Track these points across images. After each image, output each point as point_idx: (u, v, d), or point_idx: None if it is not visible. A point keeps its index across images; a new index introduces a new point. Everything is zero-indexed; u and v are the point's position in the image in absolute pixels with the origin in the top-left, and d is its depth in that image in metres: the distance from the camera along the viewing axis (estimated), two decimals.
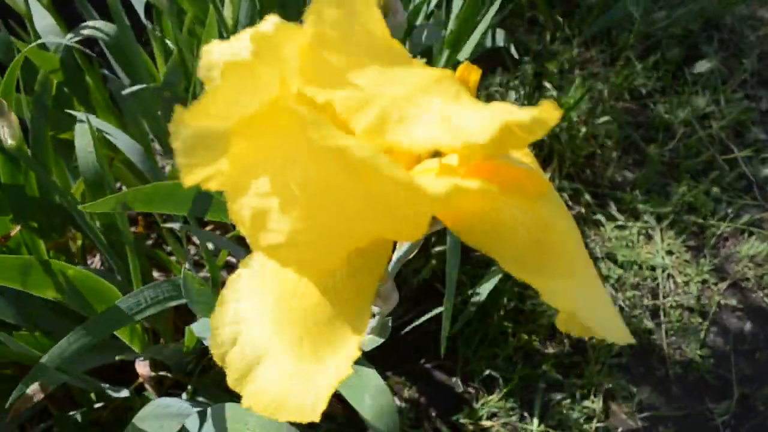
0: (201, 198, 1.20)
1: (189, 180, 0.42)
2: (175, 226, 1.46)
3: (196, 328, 1.21)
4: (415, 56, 1.46)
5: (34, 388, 1.27)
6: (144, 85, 1.54)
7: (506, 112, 0.42)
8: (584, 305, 0.49)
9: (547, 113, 0.42)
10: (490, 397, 1.82)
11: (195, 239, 1.91)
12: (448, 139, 0.41)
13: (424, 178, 0.41)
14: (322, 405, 0.50)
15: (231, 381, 0.53)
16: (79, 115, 1.36)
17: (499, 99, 2.29)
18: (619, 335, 0.51)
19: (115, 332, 1.28)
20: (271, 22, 0.47)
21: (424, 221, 0.46)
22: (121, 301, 1.20)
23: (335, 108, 0.42)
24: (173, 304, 1.26)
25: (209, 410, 1.26)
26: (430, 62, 1.93)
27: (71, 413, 1.49)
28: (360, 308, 0.53)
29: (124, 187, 1.96)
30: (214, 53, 0.48)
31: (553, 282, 0.49)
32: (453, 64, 1.88)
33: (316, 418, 0.49)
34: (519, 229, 0.49)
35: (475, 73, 0.58)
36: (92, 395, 1.52)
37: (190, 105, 0.40)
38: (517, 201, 0.49)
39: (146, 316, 1.23)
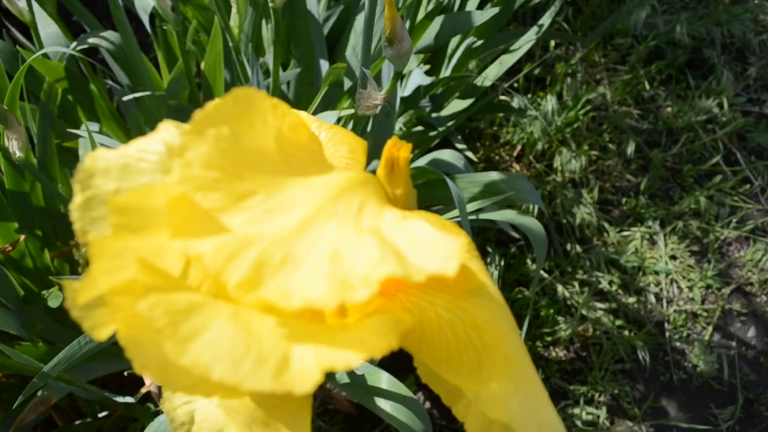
0: None
1: (101, 335, 0.39)
2: None
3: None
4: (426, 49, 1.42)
5: (38, 398, 1.27)
6: (147, 93, 1.55)
7: (398, 258, 0.38)
8: (522, 414, 0.45)
9: (445, 266, 0.38)
10: None
11: None
12: (325, 294, 0.37)
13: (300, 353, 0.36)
14: None
15: None
16: (81, 130, 1.36)
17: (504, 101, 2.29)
18: None
19: None
20: (129, 189, 0.43)
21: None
22: None
23: (206, 262, 0.38)
24: None
25: None
26: (439, 57, 1.92)
27: (76, 423, 1.49)
28: (297, 412, 0.52)
29: None
30: (100, 160, 0.44)
31: (487, 388, 0.45)
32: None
33: None
34: (445, 329, 0.45)
35: (404, 150, 0.54)
36: (97, 406, 1.52)
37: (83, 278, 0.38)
38: (441, 299, 0.46)
39: None
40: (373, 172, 0.54)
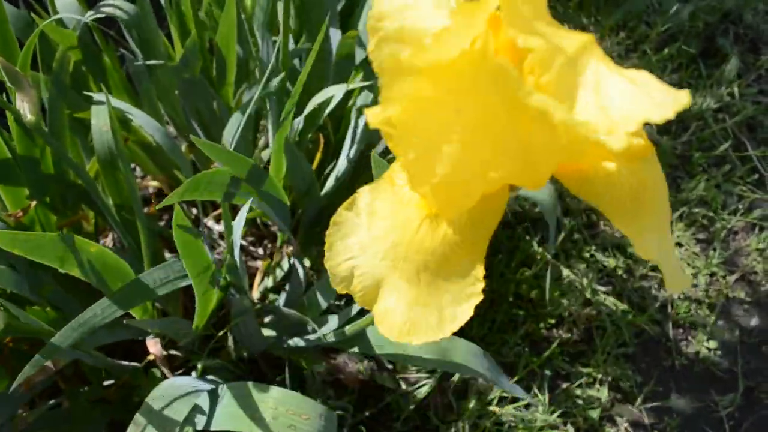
0: (233, 185, 1.24)
1: (381, 114, 0.49)
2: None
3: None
4: None
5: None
6: (161, 62, 1.55)
7: (647, 106, 0.48)
8: (662, 258, 0.57)
9: (679, 104, 0.49)
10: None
11: (208, 222, 1.93)
12: (599, 123, 0.47)
13: (601, 136, 0.47)
14: (451, 325, 0.57)
15: (359, 305, 0.61)
16: (97, 95, 1.37)
17: None
18: (680, 286, 0.59)
19: (130, 311, 1.30)
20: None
21: (552, 170, 0.54)
22: (144, 275, 1.21)
23: (526, 52, 0.48)
24: (184, 284, 1.28)
25: (222, 388, 1.28)
26: None
27: (82, 389, 1.51)
28: (480, 248, 0.59)
29: (138, 168, 1.97)
30: (384, 3, 0.51)
31: (642, 234, 0.57)
32: None
33: (447, 335, 0.56)
34: (624, 185, 0.56)
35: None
36: (102, 372, 1.54)
37: None
38: (625, 162, 0.57)
39: (158, 296, 1.25)
40: None
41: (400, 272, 0.58)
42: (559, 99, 0.46)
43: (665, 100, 0.47)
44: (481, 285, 0.57)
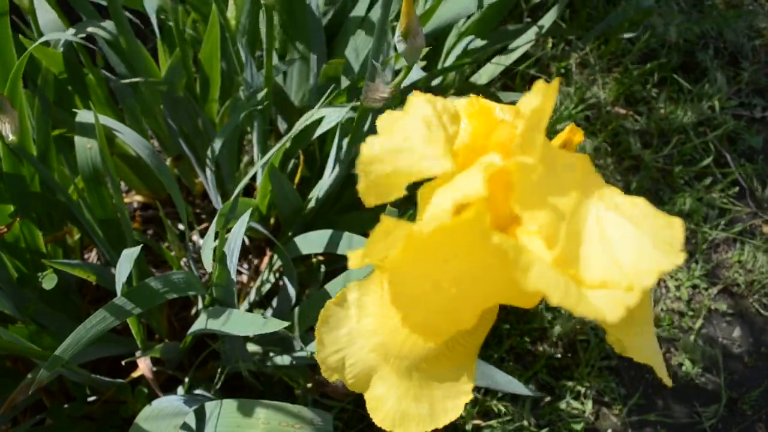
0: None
1: (361, 261, 0.48)
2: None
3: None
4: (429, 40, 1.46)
5: (29, 380, 1.28)
6: (142, 79, 1.56)
7: (657, 254, 0.46)
8: (651, 356, 0.56)
9: (676, 259, 0.45)
10: (482, 398, 1.83)
11: (194, 238, 1.93)
12: (613, 277, 0.45)
13: (597, 302, 0.45)
14: (444, 418, 0.57)
15: (351, 389, 0.61)
16: (82, 112, 1.37)
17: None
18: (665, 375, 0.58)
19: (121, 326, 1.30)
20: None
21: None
22: (149, 280, 1.21)
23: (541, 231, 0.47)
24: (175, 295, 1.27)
25: (211, 405, 1.28)
26: (436, 55, 1.94)
27: (65, 406, 1.50)
28: (472, 354, 0.58)
29: (122, 183, 1.97)
30: (375, 146, 0.50)
31: (637, 339, 0.55)
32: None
33: (440, 427, 0.56)
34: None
35: (579, 135, 0.62)
36: (87, 389, 1.54)
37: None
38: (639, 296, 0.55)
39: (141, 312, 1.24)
40: None
41: (391, 366, 0.58)
42: (570, 264, 0.45)
43: (668, 238, 0.45)
44: (472, 385, 0.58)
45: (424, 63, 1.82)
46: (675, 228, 0.45)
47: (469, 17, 1.82)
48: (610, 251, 0.46)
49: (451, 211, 0.46)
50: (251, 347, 1.57)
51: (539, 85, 0.48)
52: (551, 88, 0.48)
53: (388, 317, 0.58)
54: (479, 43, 1.84)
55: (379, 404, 0.58)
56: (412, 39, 1.04)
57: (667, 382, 0.57)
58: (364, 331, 0.60)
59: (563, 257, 0.45)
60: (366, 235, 1.03)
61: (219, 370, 1.51)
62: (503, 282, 0.48)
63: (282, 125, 1.87)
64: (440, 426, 0.56)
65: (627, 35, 2.63)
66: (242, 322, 1.20)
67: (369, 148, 0.49)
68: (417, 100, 0.53)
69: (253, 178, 1.89)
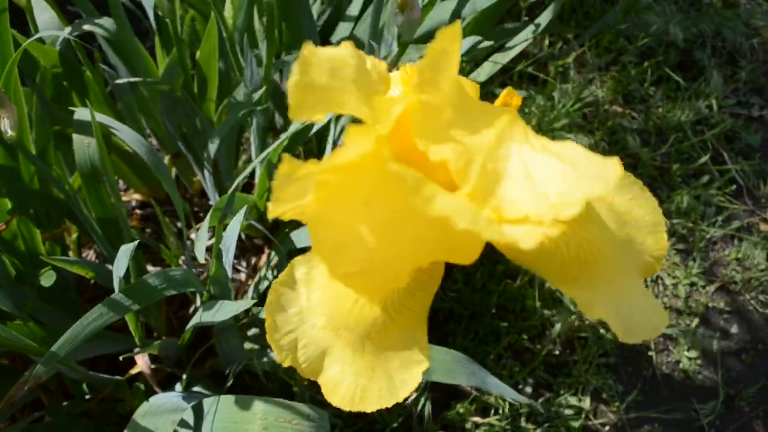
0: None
1: (276, 209, 0.47)
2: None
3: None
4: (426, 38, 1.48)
5: (27, 376, 1.28)
6: (140, 79, 1.56)
7: (585, 183, 0.45)
8: (612, 313, 0.53)
9: (607, 185, 0.45)
10: (481, 395, 1.84)
11: (192, 236, 1.93)
12: (542, 211, 0.44)
13: (512, 230, 0.44)
14: (402, 391, 0.56)
15: (304, 376, 0.59)
16: (80, 109, 1.37)
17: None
18: (639, 337, 0.55)
19: (119, 323, 1.30)
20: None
21: (479, 250, 0.52)
22: (146, 277, 1.21)
23: (439, 162, 0.45)
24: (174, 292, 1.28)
25: (209, 402, 1.28)
26: None
27: (63, 404, 1.50)
28: (420, 315, 0.58)
29: (120, 181, 1.97)
30: (315, 57, 0.50)
31: (585, 293, 0.53)
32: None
33: (400, 400, 0.55)
34: (562, 250, 0.53)
35: (516, 99, 0.62)
36: (84, 386, 1.54)
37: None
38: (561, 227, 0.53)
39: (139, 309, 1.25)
40: None
41: (344, 341, 0.57)
42: (485, 198, 0.44)
43: (602, 172, 0.44)
44: (427, 351, 0.57)
45: None
46: (609, 163, 0.45)
47: (463, 19, 1.82)
48: (535, 187, 0.45)
49: (357, 152, 0.45)
50: (248, 345, 1.58)
51: (442, 30, 0.48)
52: (452, 30, 0.47)
53: (333, 284, 0.57)
54: (476, 39, 1.85)
55: (336, 384, 0.57)
56: (409, 12, 1.04)
57: (621, 336, 0.54)
58: (313, 308, 0.59)
59: (478, 193, 0.45)
60: None
61: (227, 371, 1.51)
62: (426, 230, 0.48)
63: (279, 122, 1.87)
64: (400, 399, 0.56)
65: (624, 34, 2.63)
66: (231, 309, 1.21)
67: (313, 51, 0.49)
68: (353, 49, 0.52)
69: (252, 176, 1.89)
